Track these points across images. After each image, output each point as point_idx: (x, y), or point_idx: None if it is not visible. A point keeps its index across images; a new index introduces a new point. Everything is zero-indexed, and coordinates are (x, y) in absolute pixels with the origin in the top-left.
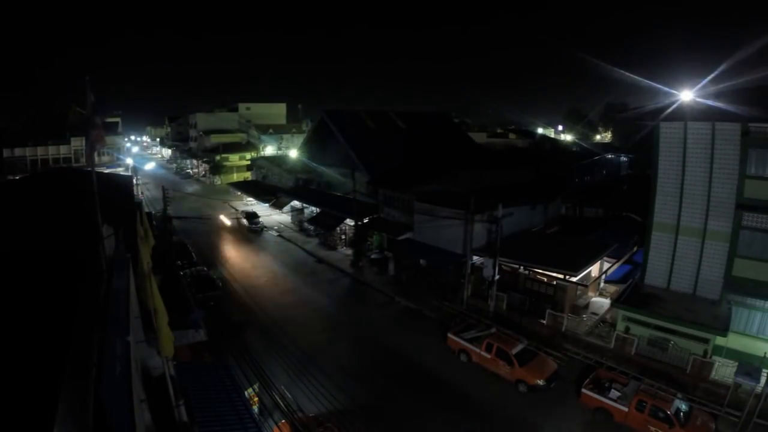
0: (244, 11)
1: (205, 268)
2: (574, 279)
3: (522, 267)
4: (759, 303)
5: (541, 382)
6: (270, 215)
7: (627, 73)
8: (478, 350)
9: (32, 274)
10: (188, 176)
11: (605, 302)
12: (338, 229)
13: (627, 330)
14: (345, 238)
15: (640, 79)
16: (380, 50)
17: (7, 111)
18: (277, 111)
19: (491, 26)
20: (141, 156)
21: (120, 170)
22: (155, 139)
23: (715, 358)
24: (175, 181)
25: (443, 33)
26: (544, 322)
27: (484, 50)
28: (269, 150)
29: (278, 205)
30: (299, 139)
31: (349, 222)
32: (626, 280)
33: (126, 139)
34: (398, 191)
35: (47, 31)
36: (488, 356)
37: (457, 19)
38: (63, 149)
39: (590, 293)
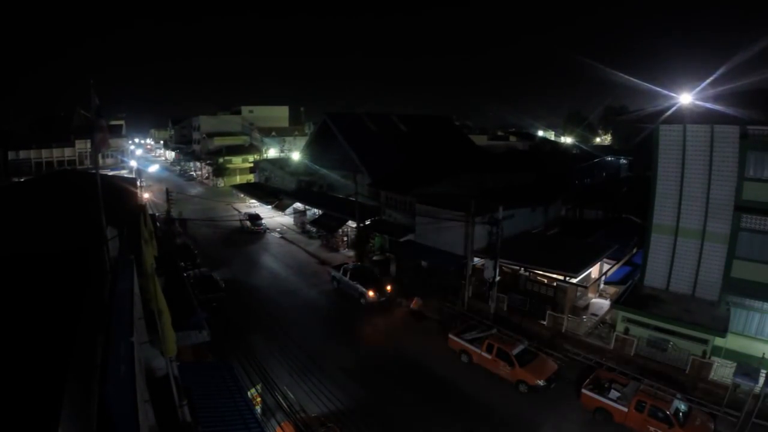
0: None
1: (209, 270)
2: (574, 280)
3: (522, 268)
4: (757, 304)
5: (541, 383)
6: (273, 217)
7: (627, 76)
8: (479, 351)
9: (36, 275)
10: (192, 179)
11: (605, 303)
12: (340, 231)
13: (627, 331)
14: (347, 240)
15: (640, 81)
16: (380, 50)
17: (11, 113)
18: (280, 114)
19: (492, 28)
20: (145, 158)
21: (124, 172)
22: (159, 142)
23: (714, 358)
24: (178, 184)
25: (443, 35)
26: (545, 323)
27: (484, 53)
28: (272, 152)
29: (281, 207)
30: (301, 141)
31: (351, 224)
32: (626, 281)
33: (130, 142)
34: (400, 193)
35: (52, 33)
36: (489, 357)
37: (457, 19)
38: (67, 152)
39: (590, 294)
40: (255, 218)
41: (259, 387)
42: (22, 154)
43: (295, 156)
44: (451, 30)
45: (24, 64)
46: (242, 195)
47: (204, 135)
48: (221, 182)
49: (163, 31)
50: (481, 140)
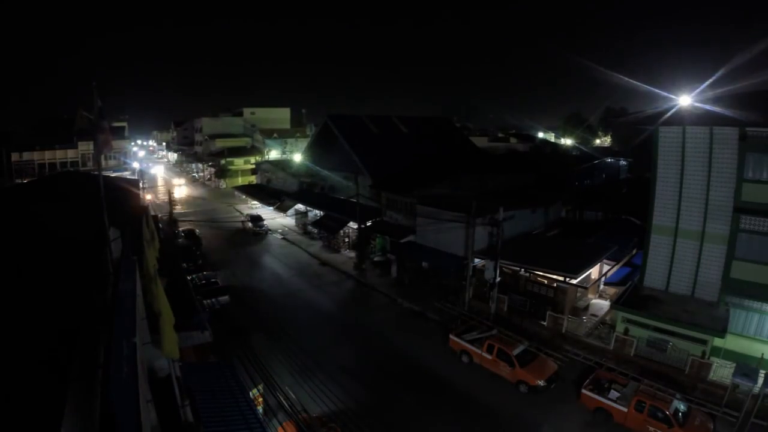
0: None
1: (210, 271)
2: (574, 281)
3: (523, 269)
4: (756, 305)
5: (541, 383)
6: (274, 218)
7: (627, 78)
8: (479, 351)
9: (39, 276)
10: (194, 180)
11: (605, 304)
12: (342, 232)
13: (626, 331)
14: (348, 241)
15: (640, 84)
16: (379, 52)
17: (14, 115)
18: (282, 115)
19: (492, 29)
20: (148, 160)
21: (126, 174)
22: (161, 144)
23: (713, 359)
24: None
25: (444, 37)
26: (545, 323)
27: (485, 54)
28: (274, 154)
29: (282, 209)
30: (303, 143)
31: (353, 225)
32: (626, 282)
33: (132, 144)
34: (401, 195)
35: (55, 34)
36: (489, 357)
37: (456, 16)
38: (70, 153)
39: (590, 295)
40: (257, 219)
41: (260, 387)
42: (26, 155)
43: (297, 157)
44: (451, 33)
45: (26, 66)
46: (244, 196)
47: (206, 137)
48: (223, 184)
49: (165, 32)
50: (481, 142)
